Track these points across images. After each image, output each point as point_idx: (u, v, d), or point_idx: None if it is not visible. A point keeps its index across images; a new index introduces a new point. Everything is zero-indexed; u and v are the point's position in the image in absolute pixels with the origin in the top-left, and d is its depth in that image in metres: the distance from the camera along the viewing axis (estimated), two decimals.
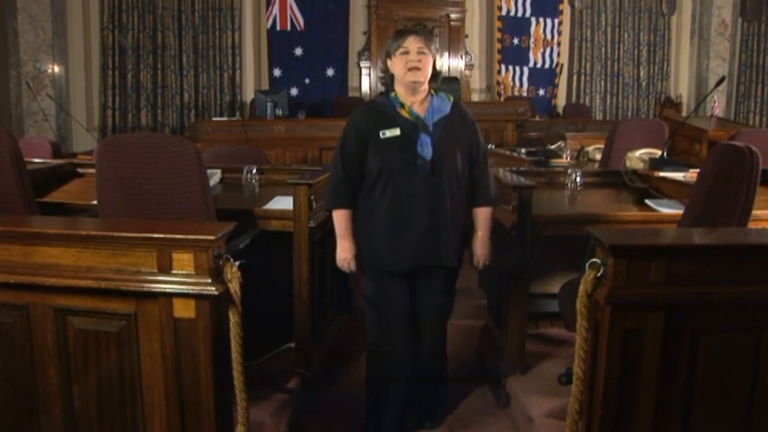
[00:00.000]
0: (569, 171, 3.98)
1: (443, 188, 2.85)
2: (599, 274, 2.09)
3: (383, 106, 2.91)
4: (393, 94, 2.93)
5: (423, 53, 2.84)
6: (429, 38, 2.92)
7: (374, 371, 3.10)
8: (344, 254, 2.94)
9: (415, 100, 2.90)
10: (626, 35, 10.68)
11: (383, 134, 2.84)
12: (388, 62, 2.94)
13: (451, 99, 2.99)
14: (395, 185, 2.83)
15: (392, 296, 2.96)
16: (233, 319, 2.26)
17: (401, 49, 2.85)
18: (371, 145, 2.84)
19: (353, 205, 2.91)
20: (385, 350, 3.03)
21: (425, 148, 2.82)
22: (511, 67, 10.39)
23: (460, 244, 2.98)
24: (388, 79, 2.97)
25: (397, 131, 2.84)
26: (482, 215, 3.02)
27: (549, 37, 10.43)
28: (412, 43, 2.84)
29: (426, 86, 2.91)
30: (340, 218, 2.92)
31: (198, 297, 2.15)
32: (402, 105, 2.89)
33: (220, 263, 2.19)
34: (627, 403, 2.12)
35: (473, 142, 2.96)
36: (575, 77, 10.61)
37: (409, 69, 2.83)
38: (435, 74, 2.93)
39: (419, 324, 3.07)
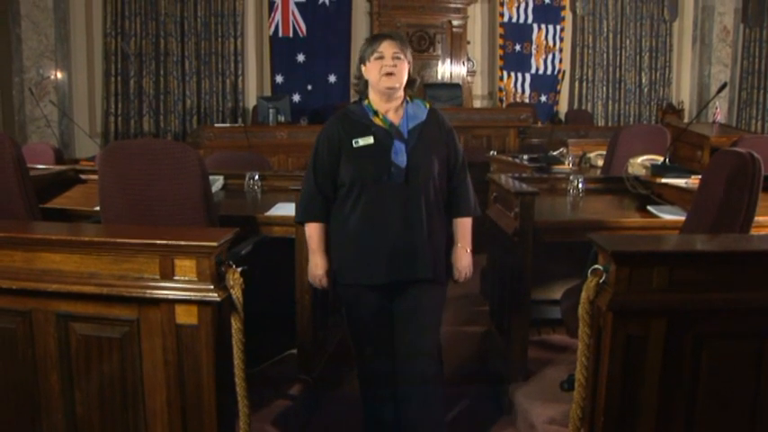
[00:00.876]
0: (571, 177, 3.98)
1: (419, 197, 2.70)
2: (601, 281, 2.09)
3: (356, 114, 2.78)
4: (366, 102, 2.79)
5: (398, 58, 2.71)
6: (405, 42, 2.79)
7: (362, 373, 2.93)
8: (316, 270, 2.80)
9: (389, 107, 2.76)
10: (628, 41, 10.68)
11: (356, 143, 2.71)
12: (362, 68, 2.80)
13: (428, 106, 2.85)
14: (368, 196, 2.69)
15: (368, 312, 2.79)
16: (235, 325, 2.26)
17: (375, 54, 2.72)
18: (344, 154, 2.72)
19: (326, 218, 2.78)
20: (368, 360, 2.86)
21: (399, 156, 2.69)
22: (513, 74, 10.41)
23: (441, 256, 2.80)
24: (361, 86, 2.83)
25: (370, 140, 2.71)
26: (461, 226, 2.86)
27: (550, 43, 10.44)
28: (387, 48, 2.71)
29: (401, 93, 2.78)
30: (312, 232, 2.79)
31: (200, 303, 2.15)
32: (375, 113, 2.75)
33: (223, 269, 2.20)
34: (629, 410, 2.12)
35: (451, 150, 2.82)
36: (577, 84, 10.62)
37: (384, 75, 2.70)
38: (411, 80, 2.80)
39: (401, 348, 2.84)
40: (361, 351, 2.88)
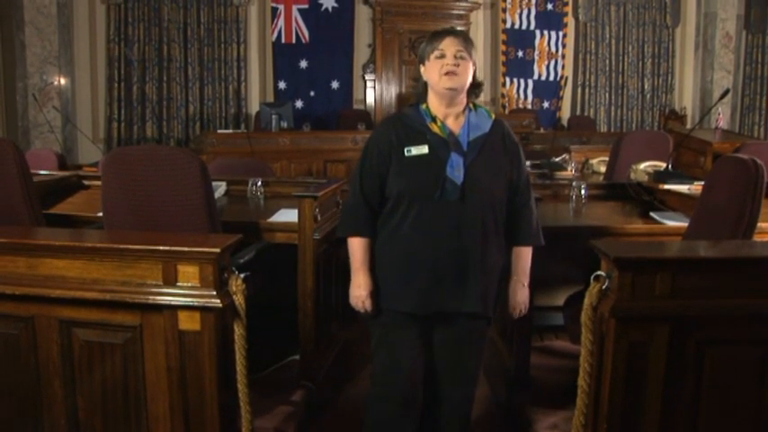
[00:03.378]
0: (574, 184, 3.98)
1: (475, 218, 2.42)
2: (604, 287, 2.09)
3: (410, 119, 2.51)
4: (424, 106, 2.52)
5: (462, 57, 2.44)
6: (470, 41, 2.51)
7: (378, 397, 2.66)
8: (359, 290, 2.52)
9: (449, 113, 2.50)
10: (630, 47, 10.69)
11: (408, 151, 2.45)
12: (421, 68, 2.55)
13: (493, 116, 2.56)
14: (417, 212, 2.42)
15: (404, 340, 2.53)
16: (238, 331, 2.26)
17: (436, 52, 2.46)
18: (394, 163, 2.46)
19: (372, 233, 2.52)
20: (391, 389, 2.59)
21: (456, 171, 2.40)
22: (515, 80, 10.41)
23: (493, 289, 2.54)
24: (420, 88, 2.57)
25: (424, 149, 2.44)
26: (521, 256, 2.58)
27: (553, 49, 10.44)
28: (449, 45, 2.44)
29: (464, 98, 2.51)
30: (356, 247, 2.52)
31: (203, 309, 2.15)
32: (433, 119, 2.49)
33: (225, 275, 2.20)
34: (632, 416, 2.11)
35: (515, 167, 2.53)
36: (579, 90, 10.63)
37: (445, 74, 2.43)
38: (476, 84, 2.53)
39: (436, 386, 2.63)
40: (385, 378, 2.60)
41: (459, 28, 10.05)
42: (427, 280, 2.44)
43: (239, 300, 2.20)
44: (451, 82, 2.43)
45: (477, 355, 2.63)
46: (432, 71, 2.47)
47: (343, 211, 2.64)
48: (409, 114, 2.54)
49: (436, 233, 2.42)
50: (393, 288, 2.50)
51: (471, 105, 2.54)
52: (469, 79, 2.49)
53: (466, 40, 2.50)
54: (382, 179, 2.48)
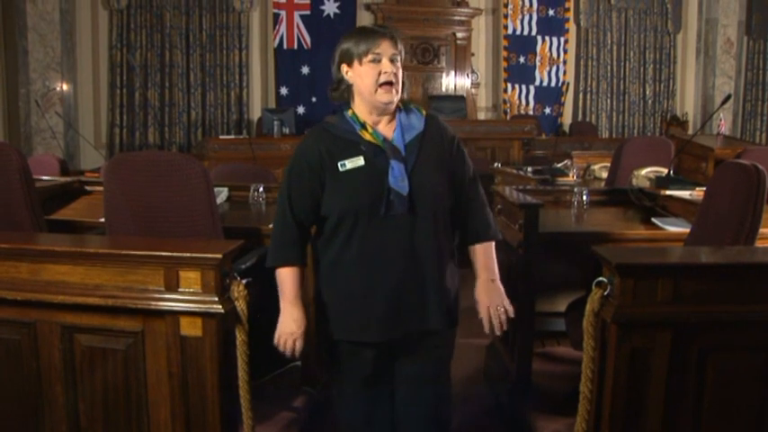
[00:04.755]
0: (576, 189, 3.97)
1: (427, 230, 2.16)
2: (605, 293, 2.09)
3: (338, 129, 2.21)
4: (350, 113, 2.23)
5: (395, 61, 2.18)
6: (400, 37, 2.22)
7: None
8: (290, 326, 2.23)
9: (379, 120, 2.22)
10: (632, 53, 10.71)
11: (342, 166, 2.15)
12: (344, 69, 2.22)
13: (424, 112, 2.29)
14: (363, 232, 2.14)
15: (364, 373, 2.28)
16: (240, 337, 2.26)
17: (371, 56, 2.15)
18: (328, 181, 2.16)
19: (303, 261, 2.25)
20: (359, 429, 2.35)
21: (400, 180, 2.13)
22: (517, 86, 10.42)
23: (456, 299, 2.30)
24: (343, 92, 2.26)
25: (360, 160, 2.15)
26: (482, 253, 2.29)
27: (554, 55, 10.46)
28: (387, 49, 2.16)
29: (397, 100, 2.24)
30: (287, 278, 2.23)
31: (205, 315, 2.15)
32: (362, 125, 2.20)
33: (227, 281, 2.20)
34: (634, 422, 2.11)
35: (458, 161, 2.28)
36: (581, 96, 10.64)
37: (382, 86, 2.15)
38: (402, 83, 2.24)
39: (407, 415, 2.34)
40: (350, 420, 2.36)
41: (460, 34, 10.15)
42: (385, 305, 2.16)
43: (241, 305, 2.20)
44: (389, 96, 2.17)
45: (446, 367, 2.37)
46: (364, 77, 2.17)
47: (273, 238, 2.28)
48: (335, 124, 2.24)
49: (387, 252, 2.15)
50: (344, 318, 2.23)
51: (400, 104, 2.26)
52: (401, 83, 2.22)
53: (400, 40, 2.21)
54: (315, 198, 2.19)
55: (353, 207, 2.14)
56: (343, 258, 2.18)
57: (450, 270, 2.26)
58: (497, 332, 2.24)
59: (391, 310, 2.17)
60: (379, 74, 2.15)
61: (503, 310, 2.23)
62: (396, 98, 2.19)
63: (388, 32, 2.19)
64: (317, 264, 2.32)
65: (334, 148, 2.18)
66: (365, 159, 2.16)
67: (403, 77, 2.23)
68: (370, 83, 2.16)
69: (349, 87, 2.24)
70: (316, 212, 2.22)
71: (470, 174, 2.31)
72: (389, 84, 2.16)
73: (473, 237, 2.31)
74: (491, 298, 2.23)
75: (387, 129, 2.23)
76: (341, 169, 2.15)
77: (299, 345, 2.24)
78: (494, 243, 2.32)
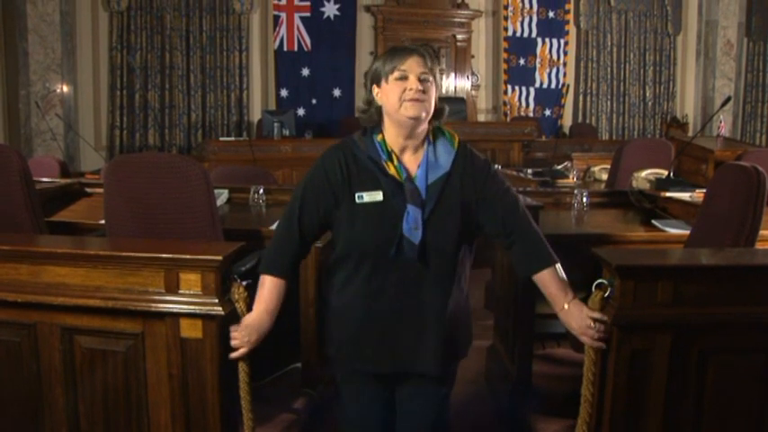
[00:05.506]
0: (576, 191, 3.98)
1: (436, 277, 2.10)
2: (606, 295, 2.09)
3: (363, 154, 2.12)
4: (379, 138, 2.13)
5: (426, 80, 2.07)
6: (434, 58, 2.13)
7: None
8: (248, 322, 2.15)
9: (407, 145, 2.12)
10: (632, 55, 10.72)
11: (360, 198, 2.07)
12: (375, 90, 2.14)
13: (456, 144, 2.17)
14: (369, 270, 2.09)
15: (365, 403, 2.26)
16: None
17: (397, 73, 2.07)
18: (342, 208, 2.09)
19: (290, 276, 2.20)
20: None
21: (413, 228, 2.04)
22: (517, 88, 10.43)
23: (453, 349, 2.21)
24: (373, 114, 2.16)
25: (378, 195, 2.07)
26: (550, 280, 2.13)
27: (555, 57, 10.46)
28: (413, 66, 2.06)
29: (426, 126, 2.13)
30: (268, 285, 2.16)
31: (205, 317, 2.15)
32: (389, 156, 2.10)
33: (227, 283, 2.20)
34: (635, 425, 2.11)
35: (496, 195, 2.14)
36: (581, 97, 10.64)
37: (408, 101, 2.05)
38: (438, 110, 2.15)
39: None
40: (350, 420, 2.33)
41: (460, 36, 10.14)
42: (380, 342, 2.12)
43: (241, 307, 2.20)
44: (415, 109, 2.05)
45: (444, 400, 2.31)
46: (390, 95, 2.08)
47: (271, 244, 2.23)
48: (363, 148, 2.14)
49: (392, 293, 2.09)
50: (344, 341, 2.19)
51: (431, 135, 2.16)
52: (433, 104, 2.12)
53: (431, 59, 2.11)
54: (327, 214, 2.13)
55: (363, 245, 2.08)
56: (347, 289, 2.14)
57: (455, 317, 2.16)
58: (603, 347, 2.10)
59: (385, 347, 2.13)
60: (404, 90, 2.06)
61: (596, 326, 2.07)
62: (423, 115, 2.08)
63: (418, 50, 2.11)
64: (326, 274, 2.28)
65: (355, 174, 2.10)
66: (384, 195, 2.07)
67: (437, 102, 2.13)
68: (395, 99, 2.07)
69: (378, 109, 2.15)
70: (323, 229, 2.17)
71: (516, 202, 2.17)
72: (416, 99, 2.05)
73: (537, 264, 2.14)
74: (578, 322, 2.09)
75: (412, 160, 2.13)
76: (357, 201, 2.08)
77: (246, 342, 2.14)
78: (557, 266, 2.15)
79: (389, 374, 2.20)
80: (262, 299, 2.16)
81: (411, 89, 2.05)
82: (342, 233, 2.11)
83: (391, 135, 2.13)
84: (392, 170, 2.08)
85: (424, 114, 2.08)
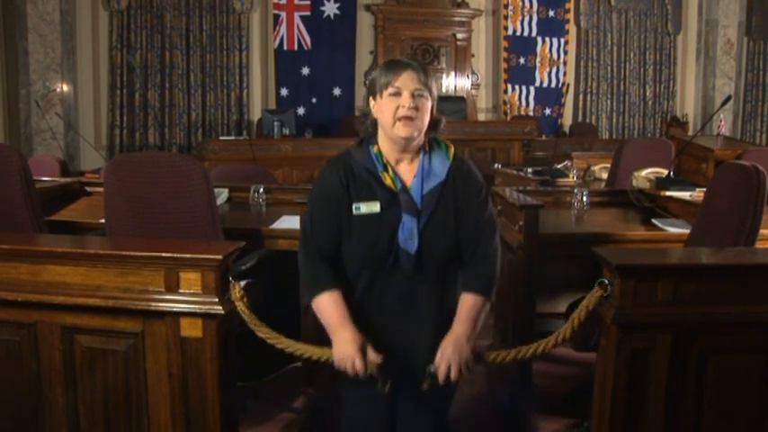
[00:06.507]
0: (576, 190, 3.98)
1: (433, 286, 2.11)
2: (605, 295, 2.09)
3: (359, 166, 2.13)
4: (375, 150, 2.14)
5: (421, 96, 2.07)
6: (428, 72, 2.12)
7: None
8: (345, 349, 2.04)
9: (402, 157, 2.14)
10: (632, 54, 10.71)
11: (357, 209, 2.09)
12: (371, 103, 2.14)
13: (451, 155, 2.17)
14: (368, 280, 2.11)
15: (366, 403, 2.22)
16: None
17: (390, 89, 2.06)
18: (344, 220, 2.11)
19: (337, 285, 2.11)
20: None
21: (409, 239, 2.06)
22: (517, 87, 10.42)
23: None
24: (368, 125, 2.17)
25: (375, 206, 2.08)
26: (468, 305, 2.12)
27: (555, 56, 10.46)
28: (407, 82, 2.05)
29: (421, 138, 2.13)
30: (328, 303, 2.10)
31: (205, 316, 2.15)
32: (385, 167, 2.11)
33: (227, 282, 2.20)
34: (634, 424, 2.11)
35: (478, 209, 2.15)
36: (581, 96, 10.64)
37: (400, 119, 2.05)
38: (434, 122, 2.14)
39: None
40: (352, 419, 2.31)
41: (460, 35, 10.14)
42: (382, 344, 2.08)
43: (241, 307, 2.20)
44: (407, 130, 2.06)
45: (445, 400, 2.31)
46: (385, 111, 2.09)
47: (303, 273, 2.18)
48: (359, 159, 2.14)
49: (388, 301, 2.11)
50: None
51: (426, 146, 2.16)
52: (427, 119, 2.11)
53: (425, 73, 2.10)
54: (340, 228, 2.11)
55: (363, 254, 2.09)
56: (348, 298, 2.11)
57: (454, 313, 2.14)
58: (441, 382, 2.05)
59: (386, 349, 2.08)
60: (398, 108, 2.06)
61: (453, 373, 2.03)
62: (416, 134, 2.08)
63: (413, 65, 2.10)
64: None
65: (352, 185, 2.11)
66: (381, 207, 2.08)
67: (434, 110, 2.13)
68: (389, 117, 2.07)
69: (374, 122, 2.16)
70: (338, 243, 2.13)
71: (488, 223, 2.17)
72: (409, 118, 2.05)
73: (468, 285, 2.14)
74: (454, 355, 2.04)
75: (407, 171, 2.14)
76: (354, 212, 2.09)
77: (359, 363, 2.02)
78: (486, 301, 2.14)
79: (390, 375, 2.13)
80: (341, 317, 2.08)
81: (404, 106, 2.05)
82: (341, 245, 2.12)
83: (386, 148, 2.14)
84: (388, 181, 2.10)
85: (416, 134, 2.08)
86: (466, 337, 2.07)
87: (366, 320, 2.11)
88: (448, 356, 2.03)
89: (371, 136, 2.18)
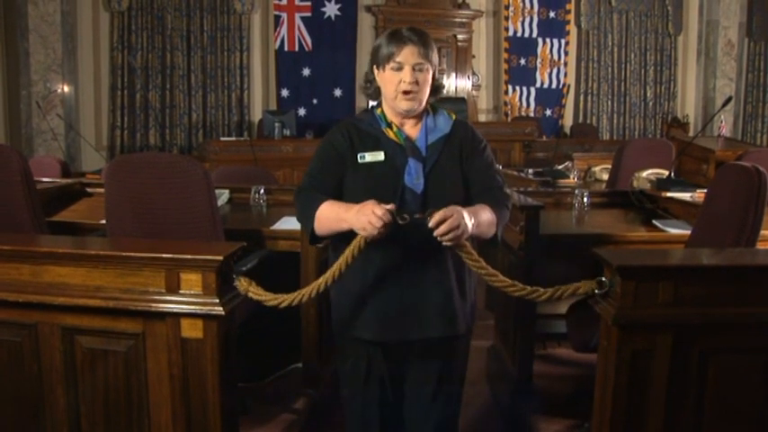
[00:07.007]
0: (576, 191, 3.98)
1: (434, 240, 2.01)
2: (602, 291, 2.09)
3: (364, 123, 2.25)
4: (379, 111, 2.27)
5: (420, 70, 2.16)
6: (430, 44, 2.18)
7: None
8: (362, 209, 2.00)
9: (405, 121, 2.25)
10: (632, 55, 10.72)
11: (362, 158, 2.18)
12: (375, 71, 2.26)
13: (453, 117, 2.31)
14: None
15: (370, 375, 2.25)
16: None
17: (392, 64, 2.16)
18: (348, 170, 2.19)
19: (334, 197, 2.18)
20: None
21: (415, 179, 2.14)
22: (518, 88, 10.43)
23: (465, 303, 2.26)
24: (372, 91, 2.31)
25: (380, 155, 2.18)
26: (479, 205, 2.15)
27: (555, 57, 10.46)
28: (408, 57, 2.14)
29: (423, 104, 2.24)
30: (328, 205, 2.13)
31: (206, 317, 2.15)
32: (389, 125, 2.23)
33: (229, 283, 2.20)
34: (635, 425, 2.11)
35: (483, 162, 2.25)
36: (581, 97, 10.65)
37: (402, 93, 2.17)
38: (435, 87, 2.26)
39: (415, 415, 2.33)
40: (353, 419, 2.35)
41: (461, 36, 10.13)
42: (384, 304, 2.16)
43: (254, 291, 2.21)
44: (409, 103, 2.18)
45: (460, 374, 2.35)
46: (387, 83, 2.20)
47: (297, 208, 2.25)
48: (363, 119, 2.29)
49: (396, 249, 2.12)
50: (350, 313, 2.23)
51: (429, 108, 2.29)
52: (428, 89, 2.22)
53: (426, 45, 2.17)
54: (337, 178, 2.20)
55: (367, 197, 2.04)
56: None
57: (460, 276, 2.21)
58: (431, 226, 1.98)
59: (390, 311, 2.17)
60: (399, 82, 2.17)
61: (453, 231, 1.96)
62: (416, 106, 2.20)
63: (415, 39, 2.16)
64: (326, 262, 2.32)
65: (357, 140, 2.23)
66: (385, 155, 2.19)
67: (435, 77, 2.23)
68: (391, 90, 2.19)
69: (378, 89, 2.28)
70: (335, 194, 2.19)
71: (495, 174, 2.27)
72: (410, 92, 2.17)
73: (486, 201, 2.17)
74: (453, 213, 1.97)
75: (412, 130, 2.26)
76: (360, 161, 2.19)
77: (378, 209, 1.96)
78: (493, 217, 2.14)
79: (400, 348, 2.23)
80: (339, 210, 2.09)
81: (405, 81, 2.16)
82: (347, 194, 2.20)
83: (389, 112, 2.27)
84: (391, 135, 2.22)
85: (416, 106, 2.20)
86: (469, 213, 2.03)
87: (371, 272, 2.16)
88: (447, 211, 1.97)
89: (376, 100, 2.33)
